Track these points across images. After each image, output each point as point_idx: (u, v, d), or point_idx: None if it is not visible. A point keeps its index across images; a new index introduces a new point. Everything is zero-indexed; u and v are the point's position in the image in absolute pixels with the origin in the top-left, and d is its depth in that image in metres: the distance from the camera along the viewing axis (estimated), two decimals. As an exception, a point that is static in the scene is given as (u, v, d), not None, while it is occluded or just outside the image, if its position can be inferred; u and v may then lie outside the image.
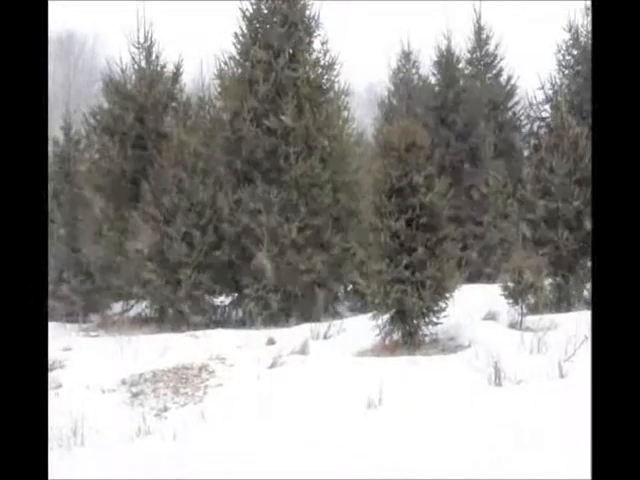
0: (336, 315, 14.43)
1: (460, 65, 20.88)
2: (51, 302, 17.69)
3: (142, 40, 17.10)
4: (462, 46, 20.92)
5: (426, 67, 22.27)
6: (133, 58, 17.12)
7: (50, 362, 10.54)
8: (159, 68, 17.26)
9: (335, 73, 15.75)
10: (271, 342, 11.46)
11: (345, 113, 16.11)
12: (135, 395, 9.00)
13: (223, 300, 15.80)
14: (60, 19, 58.26)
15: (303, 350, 10.56)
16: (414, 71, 23.31)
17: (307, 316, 13.98)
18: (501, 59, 20.92)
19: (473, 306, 11.32)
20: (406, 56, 23.33)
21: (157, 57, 17.24)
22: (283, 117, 14.59)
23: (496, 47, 20.88)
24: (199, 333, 12.76)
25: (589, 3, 18.63)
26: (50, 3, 5.00)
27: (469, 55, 21.04)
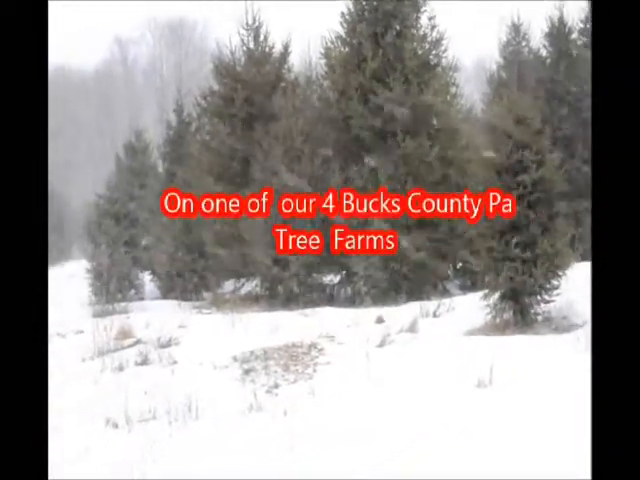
0: (445, 293, 14.31)
1: (572, 36, 20.21)
2: (165, 281, 18.28)
3: (250, 22, 17.32)
4: (574, 16, 20.25)
5: (537, 39, 21.70)
6: (242, 40, 17.39)
7: (166, 339, 10.92)
8: (267, 49, 17.48)
9: (443, 49, 15.57)
10: (380, 320, 11.46)
11: (453, 89, 15.91)
12: (246, 372, 9.15)
13: (332, 279, 15.90)
14: (170, 5, 59.48)
15: (412, 328, 10.52)
16: (524, 44, 22.74)
17: (416, 294, 13.91)
18: (616, 27, 20.11)
19: (587, 284, 10.98)
20: (516, 29, 22.76)
21: (265, 38, 17.46)
22: (390, 94, 14.51)
23: (611, 15, 20.09)
24: (308, 311, 12.89)
25: None
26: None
27: (582, 25, 20.32)
